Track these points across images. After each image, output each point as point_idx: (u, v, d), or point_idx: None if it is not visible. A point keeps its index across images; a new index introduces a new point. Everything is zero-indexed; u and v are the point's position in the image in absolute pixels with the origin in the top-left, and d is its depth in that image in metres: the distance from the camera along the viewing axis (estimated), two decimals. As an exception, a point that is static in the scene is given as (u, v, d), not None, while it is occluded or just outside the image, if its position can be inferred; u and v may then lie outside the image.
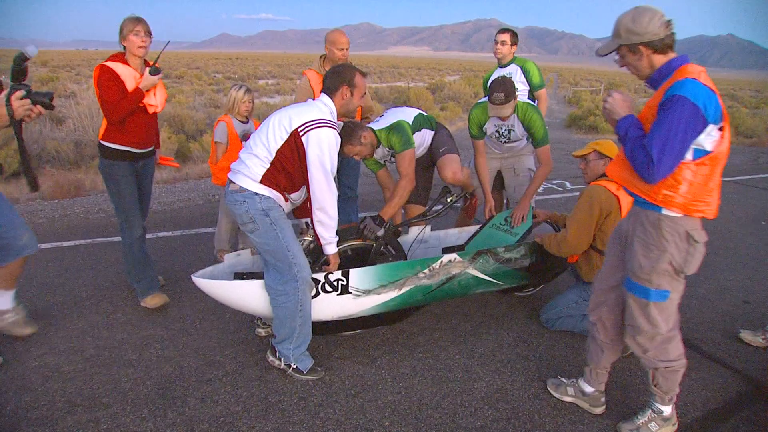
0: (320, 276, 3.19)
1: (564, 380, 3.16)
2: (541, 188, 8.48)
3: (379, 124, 3.98)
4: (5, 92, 2.70)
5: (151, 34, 3.65)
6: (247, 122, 4.60)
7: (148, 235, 5.31)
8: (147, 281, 4.00)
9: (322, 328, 3.45)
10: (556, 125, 17.70)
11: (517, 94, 4.08)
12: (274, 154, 2.97)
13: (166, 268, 4.66)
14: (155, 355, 3.38)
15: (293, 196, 3.13)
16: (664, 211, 2.43)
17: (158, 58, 3.74)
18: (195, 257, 4.95)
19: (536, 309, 4.14)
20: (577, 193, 8.10)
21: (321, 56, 4.69)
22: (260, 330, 3.63)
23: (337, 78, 3.14)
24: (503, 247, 3.70)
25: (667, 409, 2.78)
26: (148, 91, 3.65)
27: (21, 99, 2.70)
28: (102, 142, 3.71)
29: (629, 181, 2.48)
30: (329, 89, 3.14)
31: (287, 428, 2.77)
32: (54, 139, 10.43)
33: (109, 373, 3.18)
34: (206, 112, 14.61)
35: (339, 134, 3.30)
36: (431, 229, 4.20)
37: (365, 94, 3.34)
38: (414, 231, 3.99)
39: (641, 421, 2.80)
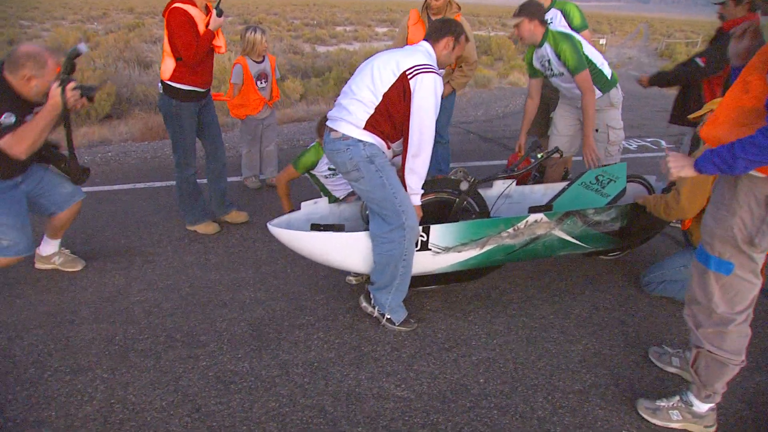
0: None
1: (669, 349, 2.94)
2: (634, 145, 7.98)
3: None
4: (57, 83, 2.92)
5: None
6: (262, 61, 5.01)
7: (233, 178, 5.40)
8: (197, 212, 4.19)
9: None
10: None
11: (546, 20, 4.03)
12: (380, 98, 2.81)
13: (251, 211, 4.69)
14: (248, 298, 3.41)
15: (394, 144, 3.01)
16: None
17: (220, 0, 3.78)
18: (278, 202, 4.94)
19: (635, 271, 3.90)
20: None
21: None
22: (351, 278, 3.59)
23: (444, 28, 3.01)
24: (593, 209, 3.45)
25: (701, 406, 2.42)
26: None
27: (73, 90, 2.95)
28: (169, 82, 3.77)
29: (721, 140, 2.01)
30: (432, 37, 3.01)
31: (381, 378, 2.74)
32: (142, 83, 10.74)
33: (205, 312, 3.24)
34: (286, 58, 14.62)
35: None
36: (516, 185, 3.97)
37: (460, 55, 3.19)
38: (499, 186, 3.79)
39: (663, 404, 2.50)
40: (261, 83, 5.01)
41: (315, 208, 3.36)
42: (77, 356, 2.81)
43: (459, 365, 2.86)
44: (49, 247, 3.62)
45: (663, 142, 8.21)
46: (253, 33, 4.86)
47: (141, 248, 4.00)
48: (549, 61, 4.06)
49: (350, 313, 3.26)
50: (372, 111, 2.84)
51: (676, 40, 37.85)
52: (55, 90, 2.92)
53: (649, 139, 8.39)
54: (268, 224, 3.10)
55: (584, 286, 3.71)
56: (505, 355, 2.97)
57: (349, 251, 3.07)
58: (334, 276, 3.65)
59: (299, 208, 3.31)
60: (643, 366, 2.93)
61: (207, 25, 3.70)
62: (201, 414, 2.46)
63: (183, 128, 3.88)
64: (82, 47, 3.05)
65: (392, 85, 2.81)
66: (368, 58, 3.03)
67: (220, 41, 3.85)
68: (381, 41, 25.82)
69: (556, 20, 4.88)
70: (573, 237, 3.45)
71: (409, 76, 2.79)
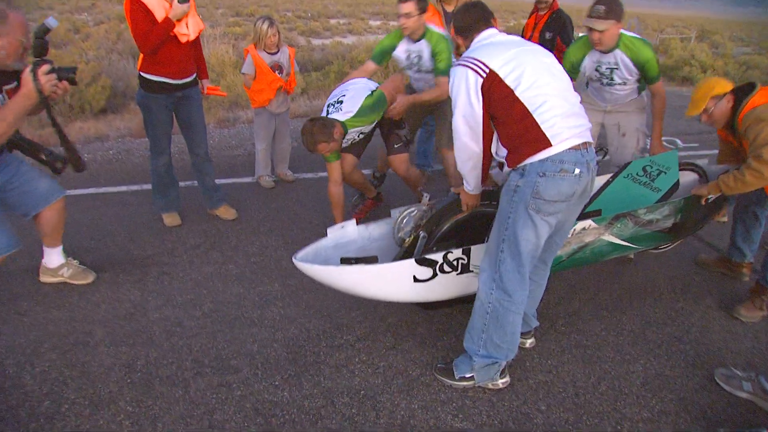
0: (438, 256, 2.76)
1: (737, 372, 2.71)
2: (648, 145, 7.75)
3: (343, 114, 3.57)
4: (29, 68, 2.41)
5: None
6: (277, 52, 4.77)
7: (248, 179, 5.11)
8: (167, 200, 4.22)
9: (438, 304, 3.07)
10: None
11: (621, 22, 3.43)
12: None
13: (266, 214, 4.42)
14: (277, 314, 3.14)
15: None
16: None
17: None
18: (298, 204, 4.68)
19: (679, 279, 3.68)
20: (692, 152, 7.35)
21: None
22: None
23: None
24: (644, 208, 3.19)
25: None
26: (179, 20, 3.58)
27: (47, 74, 2.43)
28: (140, 72, 3.75)
29: None
30: None
31: (435, 407, 2.49)
32: (137, 75, 10.37)
33: (233, 331, 2.97)
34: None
35: (315, 133, 3.41)
36: None
37: None
38: None
39: None
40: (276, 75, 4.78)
41: (342, 233, 3.08)
42: (96, 385, 2.53)
43: (516, 390, 2.62)
44: (54, 257, 3.31)
45: (679, 141, 7.97)
46: (261, 24, 4.63)
47: (154, 257, 3.71)
48: (612, 69, 3.64)
49: (391, 332, 3.01)
50: None
51: (670, 36, 37.69)
52: (27, 77, 2.40)
53: (663, 138, 8.15)
54: (293, 258, 2.78)
55: (630, 298, 3.48)
56: (562, 377, 2.73)
57: (388, 284, 2.77)
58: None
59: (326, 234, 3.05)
60: (710, 390, 2.71)
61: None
62: (242, 454, 2.20)
63: (151, 119, 3.86)
64: (52, 21, 2.56)
65: None
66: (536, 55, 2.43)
67: (185, 29, 3.65)
68: (375, 34, 25.43)
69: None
70: (623, 240, 3.21)
71: None
